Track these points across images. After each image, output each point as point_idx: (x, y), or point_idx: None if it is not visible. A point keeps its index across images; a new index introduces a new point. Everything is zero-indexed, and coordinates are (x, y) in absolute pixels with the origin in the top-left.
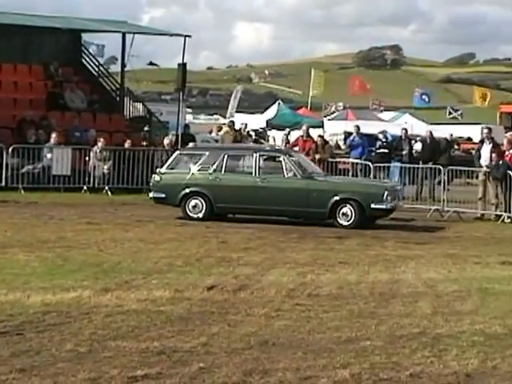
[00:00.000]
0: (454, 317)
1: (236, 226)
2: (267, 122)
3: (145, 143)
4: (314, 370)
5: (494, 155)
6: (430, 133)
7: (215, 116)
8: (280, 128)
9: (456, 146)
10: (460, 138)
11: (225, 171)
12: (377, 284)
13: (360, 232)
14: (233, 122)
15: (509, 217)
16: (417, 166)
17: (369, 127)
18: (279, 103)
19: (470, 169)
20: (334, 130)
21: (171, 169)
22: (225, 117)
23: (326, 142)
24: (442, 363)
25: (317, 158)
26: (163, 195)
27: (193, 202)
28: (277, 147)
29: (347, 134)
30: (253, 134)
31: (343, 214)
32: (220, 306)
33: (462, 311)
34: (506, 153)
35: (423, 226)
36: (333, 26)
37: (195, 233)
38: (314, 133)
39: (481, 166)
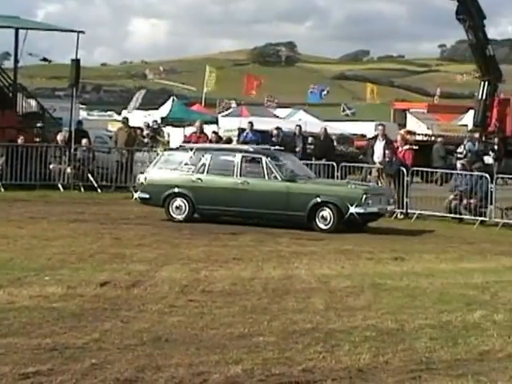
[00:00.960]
0: (346, 312)
1: (130, 223)
2: (162, 118)
3: (38, 139)
4: (207, 366)
5: (387, 152)
6: (325, 129)
7: (109, 112)
8: (175, 124)
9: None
10: (354, 134)
11: (207, 172)
12: (270, 280)
13: (254, 228)
14: (127, 119)
15: (402, 213)
16: (310, 162)
17: (263, 124)
18: (173, 99)
19: (364, 165)
20: (228, 126)
21: (157, 169)
22: (120, 113)
23: (220, 139)
24: (335, 358)
25: None
26: (147, 195)
27: (176, 204)
28: (261, 148)
29: (241, 131)
30: (147, 130)
31: (322, 217)
32: (113, 302)
33: (354, 307)
34: (400, 149)
35: None
36: (230, 23)
37: (89, 229)
38: (209, 129)
39: (374, 163)
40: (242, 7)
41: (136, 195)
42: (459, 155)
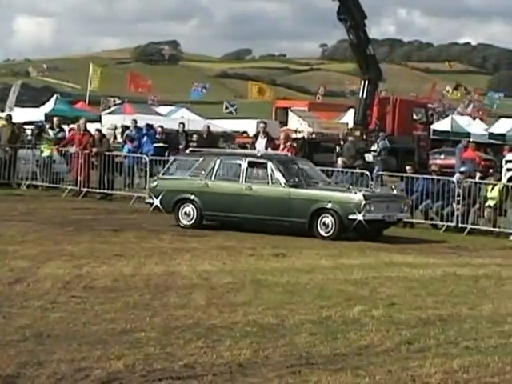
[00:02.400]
0: (227, 308)
1: (14, 220)
2: (45, 115)
3: None
4: (89, 362)
5: (269, 149)
6: (207, 127)
7: None
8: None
9: None
10: (235, 132)
11: (215, 178)
12: (152, 276)
13: (137, 225)
14: (10, 116)
15: None
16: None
17: (147, 121)
18: (57, 97)
19: None
20: (111, 123)
21: (168, 174)
22: (3, 110)
23: (104, 136)
24: (216, 353)
25: (94, 152)
26: (158, 201)
27: (185, 210)
28: (270, 153)
29: (124, 128)
30: (30, 128)
31: (324, 224)
32: None
33: (235, 302)
34: (282, 146)
35: None
36: (114, 21)
37: None
38: (92, 127)
39: None
40: (127, 6)
41: (147, 200)
42: (373, 153)
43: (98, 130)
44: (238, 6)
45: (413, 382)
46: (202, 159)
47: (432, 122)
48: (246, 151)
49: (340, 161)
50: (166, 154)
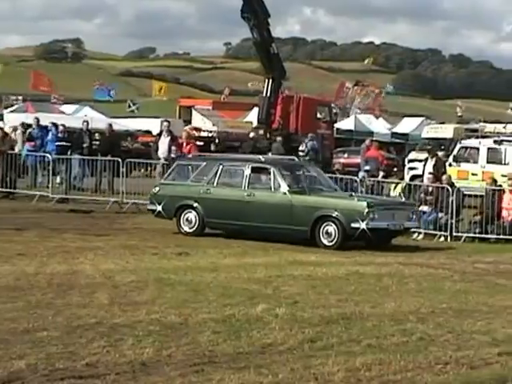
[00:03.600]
0: (130, 307)
1: None
2: None
3: None
4: None
5: (173, 148)
6: (109, 125)
7: None
8: None
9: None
10: (139, 131)
11: (217, 184)
12: (55, 275)
13: (40, 224)
14: None
15: None
16: (96, 158)
17: (49, 120)
18: None
19: (149, 161)
20: (14, 122)
21: (170, 180)
22: None
23: (6, 135)
24: (118, 352)
25: None
26: (160, 208)
27: (187, 216)
28: (274, 159)
29: (27, 126)
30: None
31: (327, 233)
32: None
33: (138, 301)
34: (185, 145)
35: (103, 217)
36: (18, 19)
37: None
38: None
39: (159, 159)
40: (30, 3)
41: (148, 207)
42: (301, 153)
43: (1, 129)
44: (144, 4)
45: (315, 380)
46: (204, 164)
47: (336, 121)
48: (249, 156)
49: None
50: (69, 152)
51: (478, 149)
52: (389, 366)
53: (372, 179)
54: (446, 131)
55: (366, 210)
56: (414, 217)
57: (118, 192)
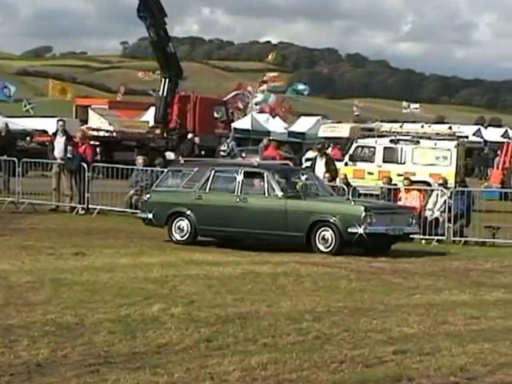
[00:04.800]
0: (26, 307)
1: None
2: None
3: None
4: None
5: (69, 147)
6: (6, 125)
7: None
8: None
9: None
10: (36, 130)
11: (209, 189)
12: None
13: None
14: None
15: (83, 208)
16: None
17: None
18: None
19: (45, 161)
20: None
21: (161, 186)
22: None
23: None
24: (13, 353)
25: None
26: (151, 215)
27: (179, 224)
28: (268, 163)
29: None
30: None
31: (323, 238)
32: None
33: (34, 302)
34: (80, 145)
35: None
36: None
37: None
38: None
39: (55, 158)
40: None
41: (139, 215)
42: (222, 153)
43: None
44: (42, 3)
45: (211, 379)
46: (195, 170)
47: (232, 120)
48: (242, 161)
49: (140, 159)
50: None
51: (374, 148)
52: (284, 364)
53: None
54: (343, 130)
55: (364, 214)
56: (414, 221)
57: (14, 192)
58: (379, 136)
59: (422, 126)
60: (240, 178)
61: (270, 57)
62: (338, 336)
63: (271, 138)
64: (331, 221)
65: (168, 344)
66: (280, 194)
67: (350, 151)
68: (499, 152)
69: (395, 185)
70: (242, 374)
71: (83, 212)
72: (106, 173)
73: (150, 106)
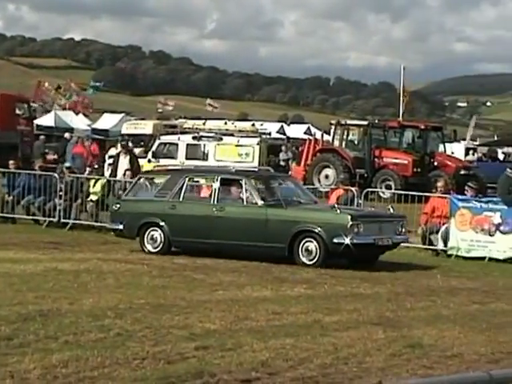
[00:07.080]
0: None
1: None
2: None
3: None
4: None
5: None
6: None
7: None
8: None
9: None
10: None
11: (183, 198)
12: None
13: None
14: None
15: None
16: None
17: None
18: None
19: None
20: None
21: (131, 196)
22: None
23: None
24: None
25: None
26: (121, 226)
27: (151, 235)
28: (247, 170)
29: None
30: None
31: (307, 250)
32: None
33: None
34: None
35: None
36: None
37: None
38: None
39: None
40: None
41: (109, 226)
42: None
43: None
44: None
45: (11, 378)
46: (168, 177)
47: (35, 117)
48: (218, 168)
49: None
50: None
51: (177, 145)
52: (86, 362)
53: (72, 175)
54: (146, 127)
55: (350, 224)
56: (404, 230)
57: None
58: (182, 133)
59: (226, 123)
60: (216, 185)
61: None
62: (140, 333)
63: (73, 134)
64: (315, 231)
65: None
66: (260, 202)
67: (153, 148)
68: (301, 148)
69: None
70: (42, 371)
71: None
72: None
73: None
